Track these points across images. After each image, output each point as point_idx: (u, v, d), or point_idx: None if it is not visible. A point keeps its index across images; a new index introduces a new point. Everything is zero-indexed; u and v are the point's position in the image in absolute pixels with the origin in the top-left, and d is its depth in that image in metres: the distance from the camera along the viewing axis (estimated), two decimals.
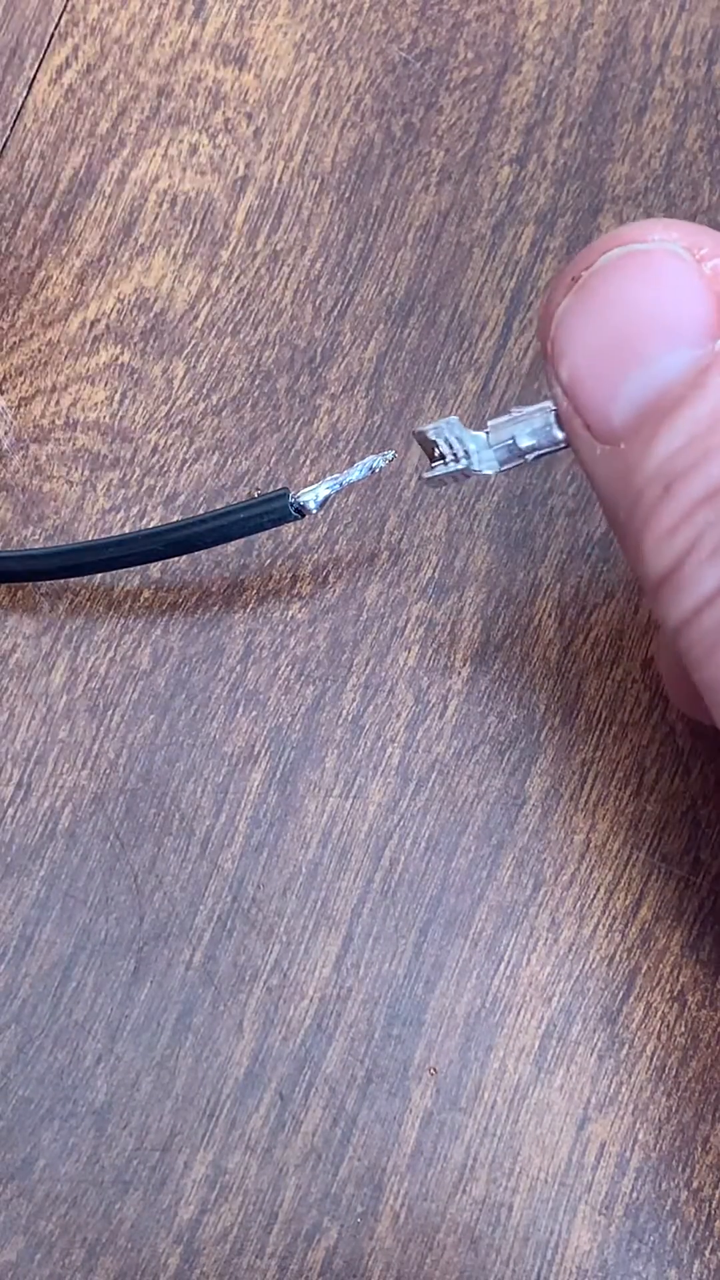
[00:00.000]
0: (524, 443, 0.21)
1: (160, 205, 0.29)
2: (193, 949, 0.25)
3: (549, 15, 0.29)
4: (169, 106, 0.29)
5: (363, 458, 0.24)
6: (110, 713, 0.26)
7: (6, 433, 0.28)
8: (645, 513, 0.18)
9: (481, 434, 0.21)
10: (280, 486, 0.25)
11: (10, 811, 0.26)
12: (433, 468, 0.22)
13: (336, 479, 0.24)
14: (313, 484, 0.24)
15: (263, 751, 0.26)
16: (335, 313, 0.28)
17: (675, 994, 0.25)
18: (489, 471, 0.21)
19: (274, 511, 0.24)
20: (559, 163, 0.29)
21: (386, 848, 0.26)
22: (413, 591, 0.27)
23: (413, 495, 0.27)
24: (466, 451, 0.21)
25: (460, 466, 0.21)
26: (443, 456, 0.22)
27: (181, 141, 0.29)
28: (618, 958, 0.25)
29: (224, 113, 0.29)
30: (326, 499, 0.24)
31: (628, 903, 0.26)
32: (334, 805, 0.26)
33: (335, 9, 0.30)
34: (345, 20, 0.30)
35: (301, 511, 0.24)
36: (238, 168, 0.29)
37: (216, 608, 0.27)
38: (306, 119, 0.29)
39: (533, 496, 0.27)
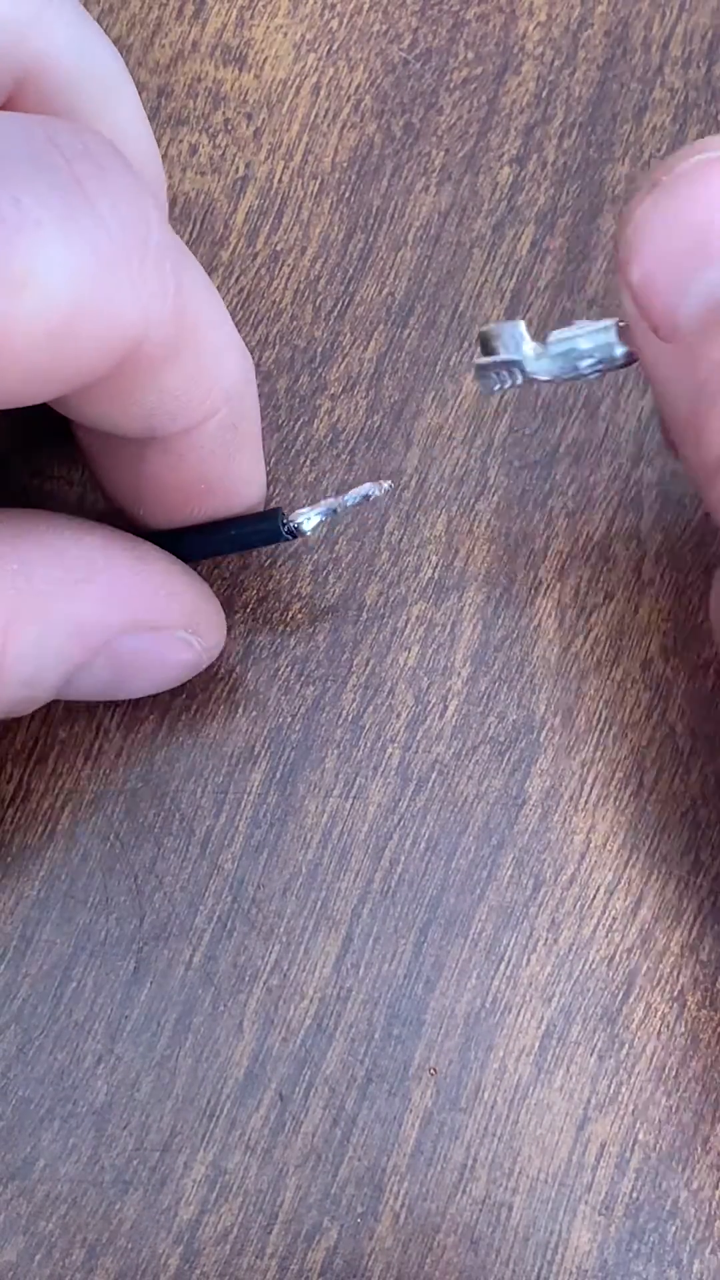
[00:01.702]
0: (583, 351, 0.21)
1: (160, 205, 0.29)
2: (193, 949, 0.25)
3: (549, 15, 0.29)
4: (169, 107, 0.29)
5: (359, 484, 0.24)
6: (110, 713, 0.26)
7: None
8: (709, 401, 0.19)
9: (541, 344, 0.22)
10: (273, 506, 0.25)
11: (10, 811, 0.26)
12: (486, 357, 0.22)
13: (331, 504, 0.24)
14: (305, 507, 0.24)
15: (263, 752, 0.26)
16: (335, 313, 0.28)
17: (675, 994, 0.25)
18: (544, 377, 0.22)
19: (263, 531, 0.24)
20: (559, 163, 0.29)
21: (386, 848, 0.26)
22: (413, 591, 0.27)
23: (413, 495, 0.27)
24: (522, 353, 0.22)
25: (514, 358, 0.22)
26: (494, 356, 0.22)
27: (181, 142, 0.29)
28: (618, 958, 0.25)
29: (224, 113, 0.29)
30: (319, 524, 0.24)
31: (628, 903, 0.26)
32: (334, 805, 0.26)
33: (335, 9, 0.30)
34: (345, 20, 0.30)
35: (294, 533, 0.24)
36: (237, 168, 0.29)
37: None
38: (306, 119, 0.29)
39: (533, 497, 0.27)
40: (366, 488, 0.24)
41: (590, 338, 0.21)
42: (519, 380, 0.22)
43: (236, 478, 0.23)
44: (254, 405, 0.23)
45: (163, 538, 0.24)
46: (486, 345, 0.22)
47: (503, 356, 0.22)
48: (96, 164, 0.18)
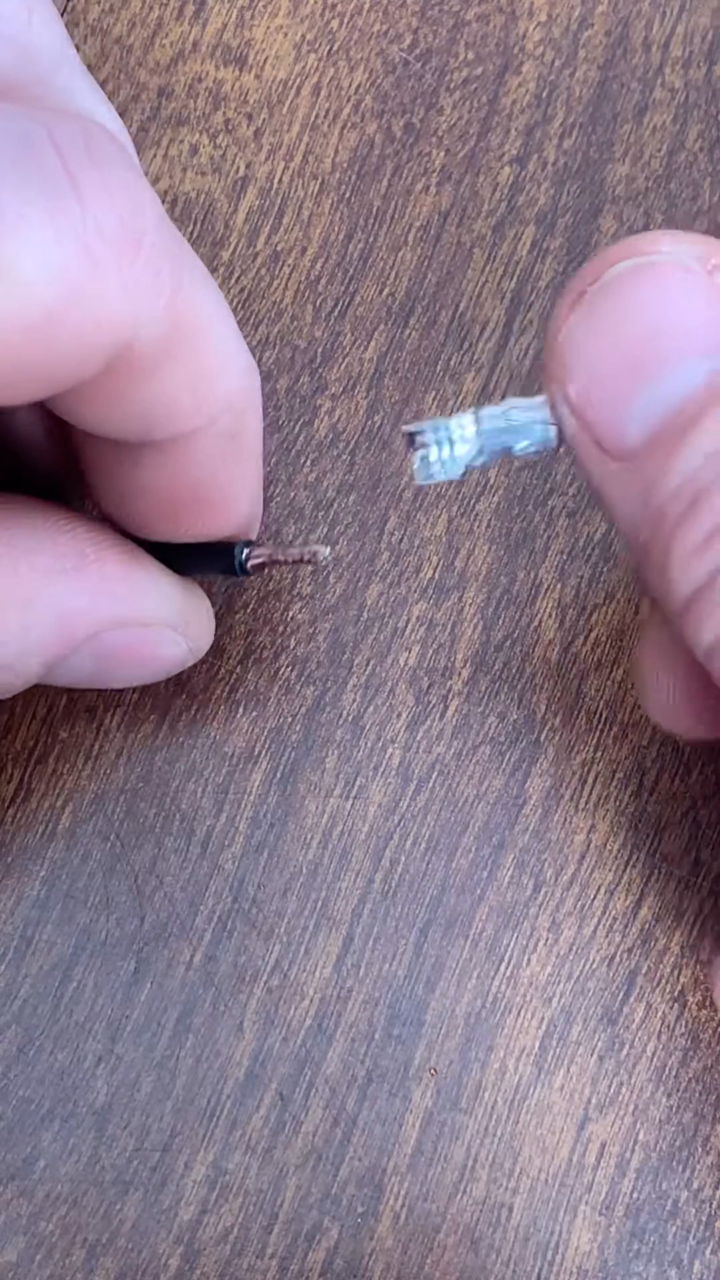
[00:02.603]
0: (517, 444, 0.20)
1: (161, 206, 0.29)
2: (193, 949, 0.25)
3: (549, 15, 0.29)
4: (169, 107, 0.29)
5: (307, 542, 0.24)
6: (110, 713, 0.26)
7: None
8: (669, 531, 0.18)
9: (469, 422, 0.21)
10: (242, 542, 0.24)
11: (10, 811, 0.26)
12: (418, 462, 0.21)
13: (275, 552, 0.23)
14: (260, 547, 0.24)
15: (263, 752, 0.26)
16: (335, 313, 0.28)
17: (675, 994, 0.25)
18: (478, 460, 0.21)
19: (220, 559, 0.24)
20: (559, 163, 0.29)
21: (387, 848, 0.26)
22: (413, 592, 0.27)
23: (413, 495, 0.27)
24: (451, 442, 0.21)
25: (445, 436, 0.21)
26: (424, 445, 0.21)
27: (182, 142, 0.29)
28: (618, 958, 0.25)
29: (224, 113, 0.29)
30: (261, 566, 0.23)
31: (628, 903, 0.26)
32: (334, 806, 0.26)
33: (335, 9, 0.30)
34: (345, 21, 0.30)
35: (245, 570, 0.23)
36: (238, 168, 0.29)
37: (217, 608, 0.27)
38: (307, 119, 0.29)
39: (533, 497, 0.27)
40: (316, 548, 0.23)
41: (523, 427, 0.20)
42: (452, 459, 0.21)
43: (231, 491, 0.23)
44: (256, 418, 0.22)
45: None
46: (414, 438, 0.21)
47: (431, 435, 0.21)
48: (94, 161, 0.18)
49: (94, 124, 0.19)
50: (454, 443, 0.21)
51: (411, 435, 0.21)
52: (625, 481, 0.19)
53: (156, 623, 0.23)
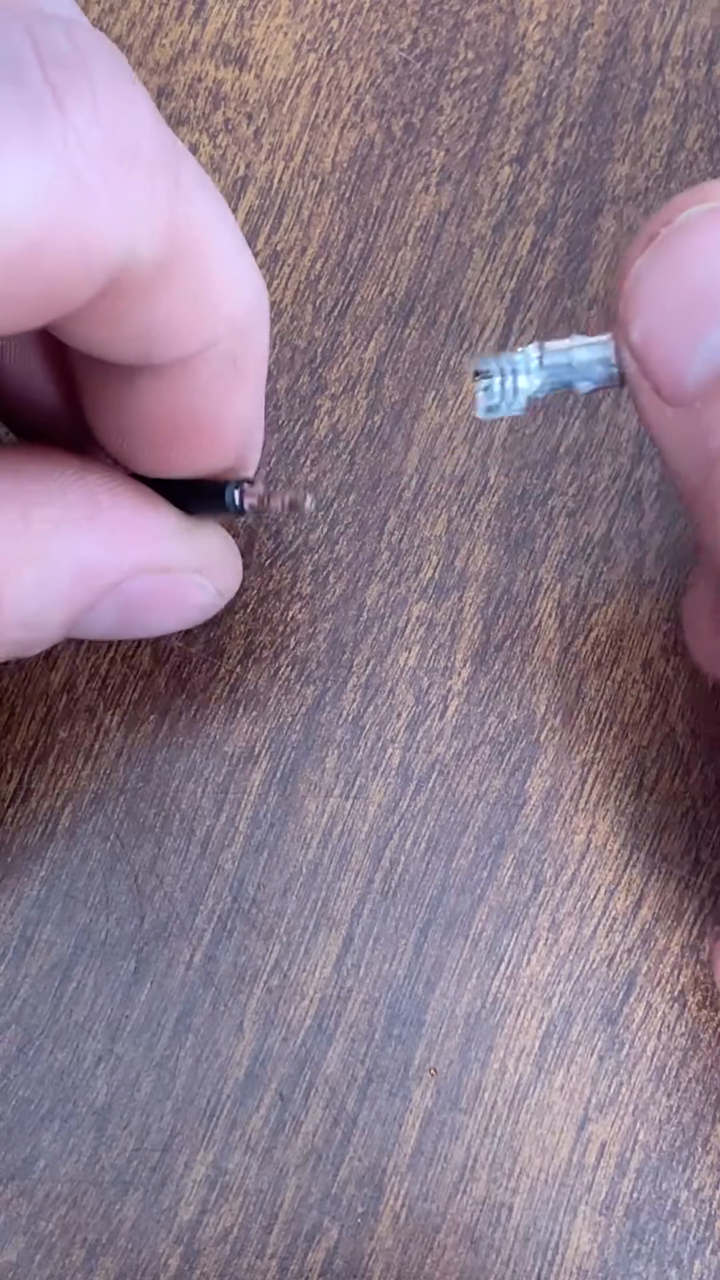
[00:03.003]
0: (579, 382, 0.20)
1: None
2: (193, 949, 0.25)
3: (549, 15, 0.29)
4: (169, 107, 0.29)
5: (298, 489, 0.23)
6: (110, 713, 0.26)
7: None
8: None
9: (533, 354, 0.21)
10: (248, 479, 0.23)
11: (10, 811, 0.26)
12: (480, 395, 0.21)
13: (268, 494, 0.23)
14: (255, 486, 0.23)
15: (263, 752, 0.26)
16: (335, 313, 0.28)
17: (675, 994, 0.25)
18: (540, 391, 0.21)
19: (218, 497, 0.23)
20: (559, 163, 0.29)
21: (387, 848, 0.26)
22: (413, 591, 0.27)
23: (413, 495, 0.27)
24: (515, 374, 0.21)
25: (509, 370, 0.21)
26: (489, 378, 0.21)
27: (181, 142, 0.29)
28: (618, 958, 0.25)
29: (224, 113, 0.29)
30: (255, 506, 0.23)
31: (628, 903, 0.26)
32: (334, 805, 0.26)
33: (335, 9, 0.30)
34: (345, 20, 0.30)
35: (239, 508, 0.23)
36: (238, 168, 0.29)
37: None
38: (307, 119, 0.29)
39: (533, 497, 0.27)
40: (298, 495, 0.22)
41: (586, 360, 0.20)
42: (515, 392, 0.21)
43: (230, 419, 0.22)
44: (262, 342, 0.21)
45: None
46: (479, 373, 0.21)
47: (495, 368, 0.21)
48: (81, 68, 0.16)
49: (79, 25, 0.17)
50: (517, 375, 0.21)
51: (477, 370, 0.21)
52: (682, 426, 0.19)
53: (178, 568, 0.22)
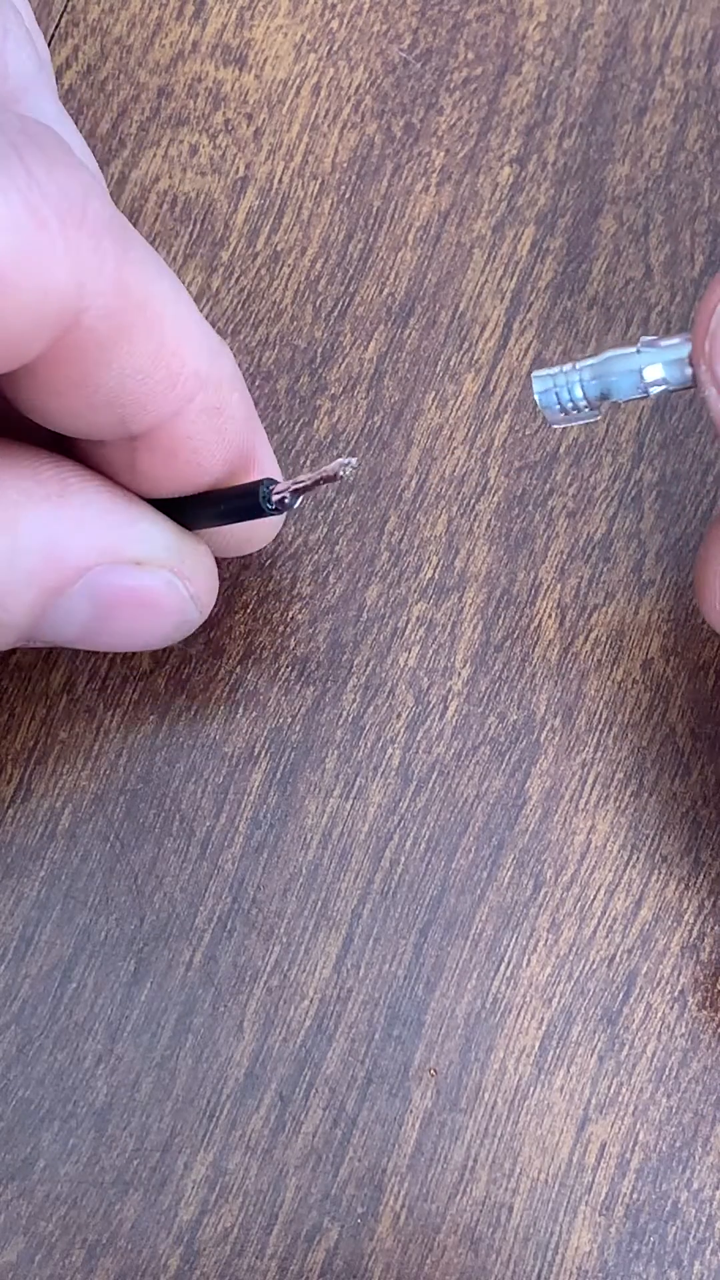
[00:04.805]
0: (653, 388, 0.21)
1: (160, 206, 0.29)
2: (193, 950, 0.25)
3: (549, 16, 0.29)
4: (169, 107, 0.29)
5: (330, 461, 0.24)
6: (110, 713, 0.26)
7: None
8: None
9: (598, 366, 0.21)
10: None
11: (10, 811, 0.26)
12: (543, 404, 0.22)
13: (295, 481, 0.23)
14: (279, 483, 0.23)
15: (263, 752, 0.26)
16: (335, 313, 0.28)
17: (675, 994, 0.25)
18: (607, 400, 0.21)
19: (245, 504, 0.23)
20: (559, 163, 0.29)
21: (386, 848, 0.26)
22: (413, 592, 0.27)
23: (413, 496, 0.27)
24: (579, 383, 0.21)
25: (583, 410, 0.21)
26: (551, 387, 0.21)
27: (182, 142, 0.29)
28: (618, 958, 0.25)
29: (224, 113, 0.29)
30: (285, 497, 0.23)
31: (628, 903, 0.26)
32: (334, 806, 0.26)
33: (335, 9, 0.30)
34: (345, 21, 0.30)
35: (279, 507, 0.23)
36: (238, 168, 0.29)
37: (216, 608, 0.27)
38: (307, 119, 0.29)
39: (533, 497, 0.27)
40: (335, 464, 0.22)
41: (659, 355, 0.21)
42: (583, 400, 0.21)
43: (237, 467, 0.23)
44: (239, 386, 0.22)
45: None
46: (541, 380, 0.22)
47: (563, 380, 0.21)
48: (33, 139, 0.18)
49: (36, 121, 0.19)
50: (584, 384, 0.21)
51: (537, 379, 0.21)
52: None
53: (150, 560, 0.22)
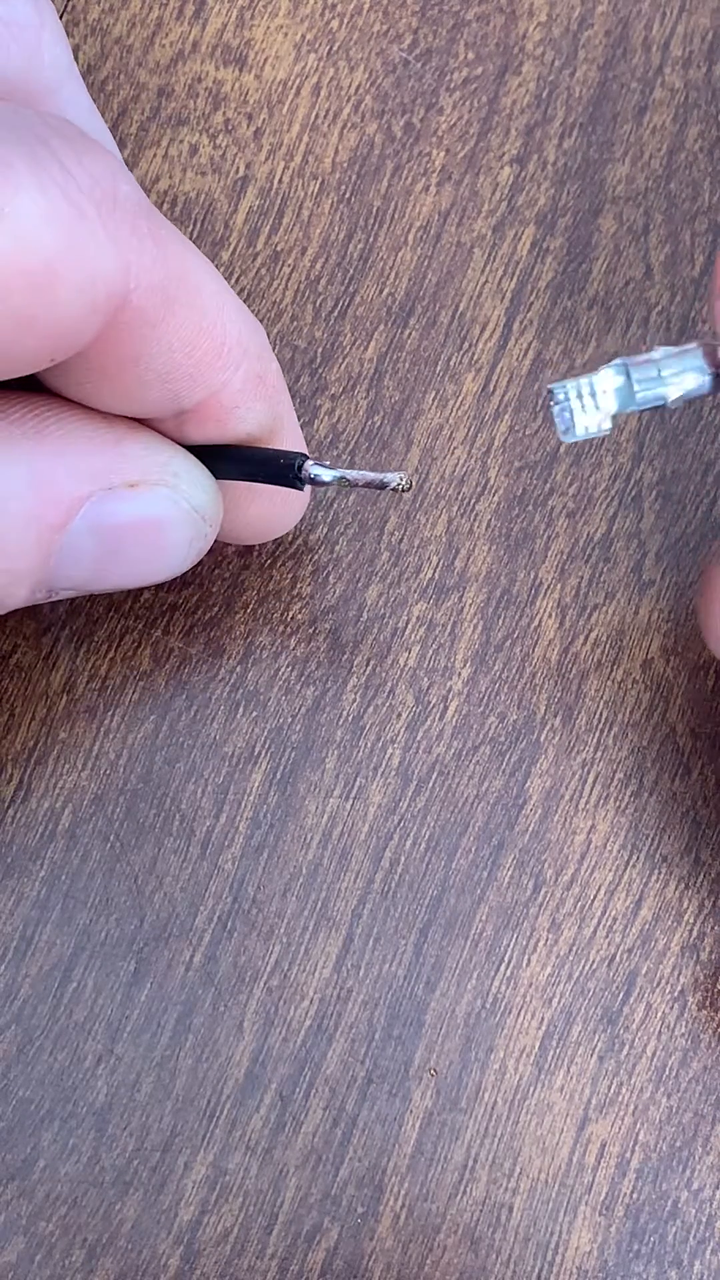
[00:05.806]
0: (672, 396, 0.20)
1: (160, 206, 0.29)
2: (193, 950, 0.25)
3: (549, 15, 0.29)
4: (169, 107, 0.29)
5: (375, 470, 0.24)
6: (110, 713, 0.26)
7: None
8: None
9: (615, 377, 0.21)
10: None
11: (10, 811, 0.26)
12: (558, 418, 0.21)
13: (347, 474, 0.23)
14: (322, 465, 0.23)
15: (263, 752, 0.26)
16: (335, 313, 0.28)
17: (675, 994, 0.25)
18: (626, 411, 0.21)
19: (280, 468, 0.23)
20: (559, 163, 0.29)
21: (387, 848, 0.26)
22: (413, 592, 0.27)
23: (413, 495, 0.27)
24: (594, 394, 0.21)
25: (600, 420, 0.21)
26: (563, 402, 0.21)
27: (182, 142, 0.29)
28: (618, 958, 0.25)
29: (224, 113, 0.29)
30: (332, 481, 0.23)
31: (628, 903, 0.26)
32: (334, 806, 0.26)
33: (335, 9, 0.30)
34: (345, 21, 0.30)
35: (312, 481, 0.23)
36: (238, 168, 0.29)
37: (217, 608, 0.27)
38: (307, 119, 0.29)
39: (533, 497, 0.27)
40: (388, 476, 0.23)
41: (678, 361, 0.20)
42: (598, 411, 0.21)
43: (281, 435, 0.23)
44: (273, 356, 0.23)
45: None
46: (554, 395, 0.21)
47: (593, 430, 0.21)
48: (56, 130, 0.19)
49: (65, 119, 0.20)
50: (599, 394, 0.21)
51: (551, 392, 0.21)
52: None
53: (143, 479, 0.22)
